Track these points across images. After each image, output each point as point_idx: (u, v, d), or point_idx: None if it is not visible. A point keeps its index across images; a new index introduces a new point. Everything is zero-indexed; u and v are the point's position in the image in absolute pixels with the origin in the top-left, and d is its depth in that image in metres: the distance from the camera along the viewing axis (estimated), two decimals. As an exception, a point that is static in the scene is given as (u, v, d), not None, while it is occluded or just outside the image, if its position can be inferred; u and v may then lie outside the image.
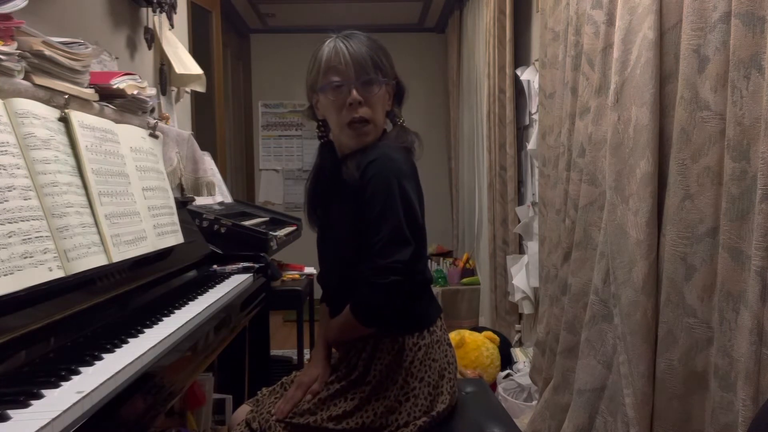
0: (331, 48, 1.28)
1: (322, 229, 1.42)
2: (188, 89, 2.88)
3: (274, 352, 3.22)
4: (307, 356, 3.03)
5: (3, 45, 1.20)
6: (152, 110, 1.95)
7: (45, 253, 1.09)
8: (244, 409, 1.38)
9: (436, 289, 4.04)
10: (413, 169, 1.29)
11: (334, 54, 1.27)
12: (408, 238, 1.20)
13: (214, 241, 2.18)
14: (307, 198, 1.44)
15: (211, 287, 1.66)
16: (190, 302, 1.45)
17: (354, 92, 1.26)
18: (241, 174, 5.29)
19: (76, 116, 1.34)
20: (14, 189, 1.07)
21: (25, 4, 1.27)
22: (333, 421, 1.24)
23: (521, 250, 3.23)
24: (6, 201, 1.04)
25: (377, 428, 1.24)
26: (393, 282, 1.18)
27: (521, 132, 3.22)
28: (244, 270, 1.95)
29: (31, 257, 1.05)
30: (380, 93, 1.30)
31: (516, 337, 3.20)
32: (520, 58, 3.21)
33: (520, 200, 3.24)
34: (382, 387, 1.26)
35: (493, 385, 2.73)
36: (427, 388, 1.28)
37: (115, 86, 1.64)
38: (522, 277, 2.97)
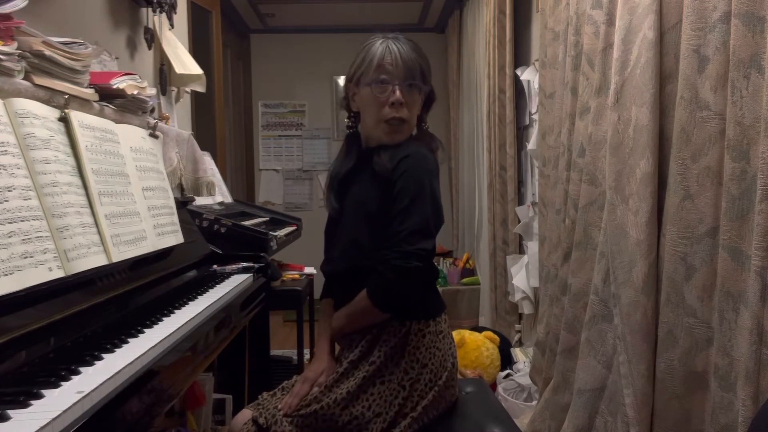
0: (384, 47, 1.34)
1: (338, 213, 1.44)
2: (188, 89, 2.87)
3: (274, 352, 3.22)
4: (307, 356, 3.03)
5: (3, 45, 1.20)
6: (152, 110, 1.95)
7: (45, 253, 1.09)
8: (245, 414, 1.38)
9: (436, 289, 4.04)
10: (438, 170, 1.37)
11: (387, 53, 1.33)
12: (432, 231, 1.28)
13: (214, 241, 2.18)
14: (328, 181, 1.48)
15: (211, 287, 1.66)
16: (190, 302, 1.45)
17: (398, 92, 1.33)
18: (241, 174, 5.29)
19: (76, 116, 1.34)
20: (14, 189, 1.07)
21: (25, 4, 1.27)
22: (339, 406, 1.26)
23: (521, 250, 3.23)
24: (6, 201, 1.04)
25: (380, 414, 1.26)
26: (416, 267, 1.24)
27: (521, 132, 3.22)
28: (244, 270, 1.95)
29: (31, 257, 1.05)
30: (419, 98, 1.38)
31: (516, 337, 3.20)
32: (520, 58, 3.21)
33: (520, 200, 3.24)
34: (387, 369, 1.29)
35: (493, 385, 2.73)
36: (429, 375, 1.30)
37: (115, 86, 1.64)
38: (522, 277, 2.97)
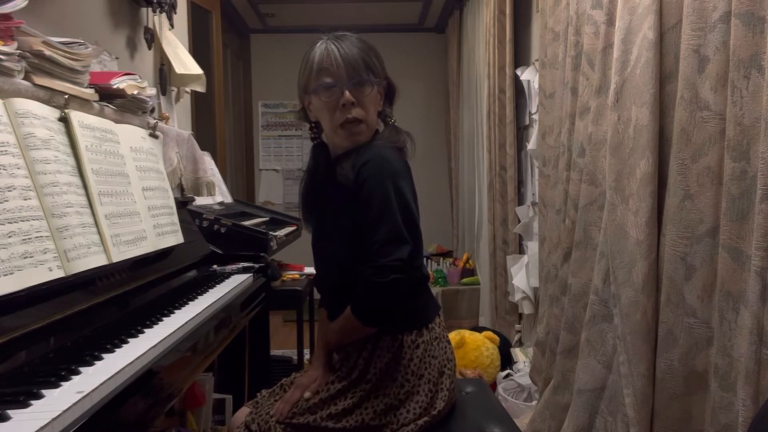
0: (322, 50, 1.28)
1: (316, 230, 1.42)
2: (188, 89, 2.87)
3: (274, 352, 3.22)
4: (307, 356, 3.03)
5: (3, 45, 1.20)
6: (152, 110, 1.95)
7: (45, 253, 1.09)
8: (244, 411, 1.38)
9: (436, 289, 4.04)
10: (407, 168, 1.30)
11: (326, 56, 1.27)
12: (405, 237, 1.21)
13: (214, 241, 2.18)
14: (301, 199, 1.44)
15: (211, 287, 1.66)
16: (190, 302, 1.45)
17: (346, 93, 1.26)
18: (241, 174, 5.29)
19: (76, 116, 1.34)
20: (14, 189, 1.07)
21: (25, 4, 1.27)
22: (332, 420, 1.24)
23: (521, 250, 3.23)
24: (6, 201, 1.04)
25: (377, 426, 1.24)
26: (394, 280, 1.19)
27: (521, 132, 3.22)
28: (244, 270, 1.95)
29: (31, 257, 1.05)
30: (372, 93, 1.31)
31: (516, 337, 3.20)
32: (520, 58, 3.21)
33: (520, 200, 3.24)
34: (382, 385, 1.27)
35: (493, 385, 2.73)
36: (427, 385, 1.28)
37: (115, 86, 1.64)
38: (522, 277, 2.97)
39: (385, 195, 1.21)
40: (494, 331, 3.08)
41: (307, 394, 1.29)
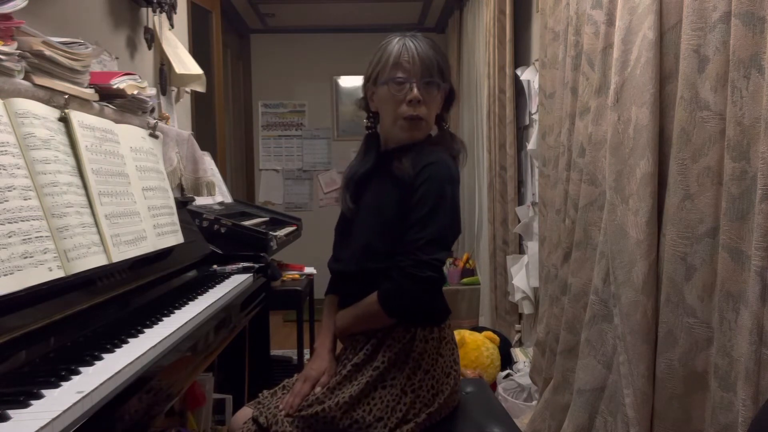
0: (400, 45, 1.33)
1: (352, 214, 1.43)
2: (188, 89, 2.88)
3: (274, 352, 3.22)
4: (307, 356, 3.03)
5: (3, 45, 1.20)
6: (152, 110, 1.95)
7: (45, 253, 1.09)
8: (245, 412, 1.38)
9: (436, 289, 4.04)
10: (459, 179, 1.34)
11: (403, 51, 1.32)
12: (448, 242, 1.28)
13: (214, 241, 2.18)
14: (345, 180, 1.47)
15: (211, 287, 1.66)
16: (190, 302, 1.45)
17: (415, 90, 1.31)
18: (241, 174, 5.29)
19: (76, 116, 1.34)
20: (14, 189, 1.07)
21: (25, 4, 1.27)
22: (340, 409, 1.25)
23: (521, 250, 3.23)
24: (6, 201, 1.04)
25: (383, 418, 1.25)
26: (430, 277, 1.24)
27: (521, 132, 3.22)
28: (244, 270, 1.95)
29: (31, 257, 1.05)
30: (438, 95, 1.35)
31: (516, 337, 3.20)
32: (520, 58, 3.21)
33: (520, 200, 3.24)
34: (389, 374, 1.28)
35: (493, 385, 2.73)
36: (431, 381, 1.30)
37: (115, 86, 1.64)
38: (522, 277, 2.97)
39: (442, 198, 1.26)
40: (494, 331, 3.08)
41: (317, 389, 1.30)
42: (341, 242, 1.44)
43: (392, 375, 1.28)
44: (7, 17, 1.23)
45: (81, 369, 0.94)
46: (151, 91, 1.89)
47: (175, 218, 1.75)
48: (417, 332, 1.31)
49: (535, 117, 2.81)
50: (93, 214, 1.30)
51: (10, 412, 0.78)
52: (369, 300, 1.30)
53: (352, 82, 5.45)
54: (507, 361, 2.94)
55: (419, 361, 1.29)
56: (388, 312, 1.28)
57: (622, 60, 1.71)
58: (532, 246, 2.87)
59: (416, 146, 1.34)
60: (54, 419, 0.77)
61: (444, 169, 1.29)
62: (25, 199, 1.08)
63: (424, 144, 1.35)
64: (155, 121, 1.88)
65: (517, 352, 2.98)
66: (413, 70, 1.31)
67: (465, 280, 4.12)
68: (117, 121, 1.58)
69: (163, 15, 2.57)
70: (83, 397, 0.84)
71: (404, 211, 1.27)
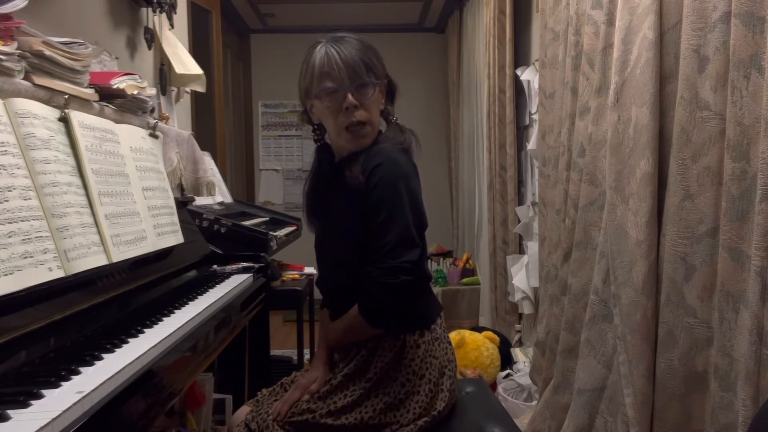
0: (322, 54, 1.28)
1: (320, 231, 1.42)
2: (188, 89, 2.87)
3: (274, 352, 3.22)
4: (307, 356, 3.03)
5: (3, 45, 1.20)
6: (152, 110, 1.95)
7: (45, 253, 1.09)
8: (245, 410, 1.38)
9: (436, 289, 4.04)
10: (415, 170, 1.30)
11: (326, 60, 1.27)
12: (416, 239, 1.22)
13: (214, 241, 2.18)
14: (305, 201, 1.45)
15: (211, 287, 1.65)
16: (190, 302, 1.45)
17: (349, 97, 1.26)
18: (241, 174, 5.29)
19: (76, 116, 1.34)
20: (14, 189, 1.07)
21: (25, 4, 1.27)
22: (332, 417, 1.24)
23: (521, 250, 3.23)
24: (6, 201, 1.04)
25: (376, 426, 1.24)
26: (403, 282, 1.20)
27: (521, 132, 3.22)
28: (244, 270, 1.94)
29: (31, 257, 1.05)
30: (374, 95, 1.31)
31: (516, 337, 3.20)
32: (520, 58, 3.21)
33: (520, 200, 3.24)
34: (383, 384, 1.27)
35: (493, 385, 2.73)
36: (428, 386, 1.28)
37: (115, 86, 1.64)
38: (522, 277, 2.97)
39: (398, 197, 1.22)
40: (494, 331, 3.08)
41: (305, 397, 1.29)
42: (319, 259, 1.42)
43: (385, 383, 1.27)
44: (7, 17, 1.23)
45: (81, 369, 0.94)
46: (151, 91, 1.89)
47: (175, 218, 1.75)
48: (406, 339, 1.29)
49: (535, 117, 2.81)
50: (93, 214, 1.30)
51: (10, 412, 0.78)
52: (352, 313, 1.28)
53: (352, 82, 5.44)
54: (507, 361, 2.94)
55: (411, 366, 1.28)
56: (372, 324, 1.26)
57: (622, 60, 1.71)
58: (532, 246, 2.87)
59: (364, 150, 1.30)
60: (54, 419, 0.77)
61: (393, 166, 1.24)
62: (25, 199, 1.08)
63: (371, 146, 1.31)
64: (155, 121, 1.88)
65: (517, 352, 2.98)
66: (340, 77, 1.26)
67: (465, 280, 4.12)
68: (117, 121, 1.58)
69: (163, 15, 2.57)
70: (83, 397, 0.84)
71: (366, 220, 1.24)
